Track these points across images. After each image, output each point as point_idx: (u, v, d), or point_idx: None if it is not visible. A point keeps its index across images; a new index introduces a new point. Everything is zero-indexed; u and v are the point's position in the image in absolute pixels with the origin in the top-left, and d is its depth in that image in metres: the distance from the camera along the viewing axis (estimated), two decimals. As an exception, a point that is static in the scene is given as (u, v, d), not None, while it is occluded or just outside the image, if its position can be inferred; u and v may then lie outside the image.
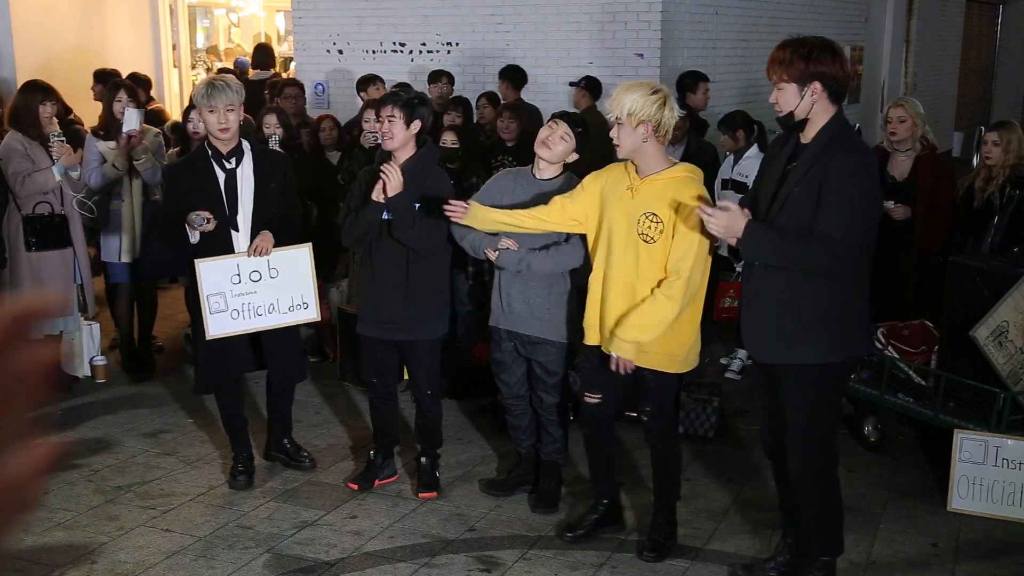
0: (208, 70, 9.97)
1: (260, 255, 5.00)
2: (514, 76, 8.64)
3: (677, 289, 4.05)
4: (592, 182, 4.37)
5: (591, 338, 4.36)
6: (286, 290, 5.11)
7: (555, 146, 4.62)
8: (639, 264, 4.14)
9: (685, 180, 4.14)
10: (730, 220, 3.73)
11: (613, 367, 4.15)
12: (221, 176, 4.97)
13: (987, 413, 5.00)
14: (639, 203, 4.13)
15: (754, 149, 6.87)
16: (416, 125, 4.77)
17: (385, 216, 4.79)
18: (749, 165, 6.79)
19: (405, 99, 4.75)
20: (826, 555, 4.09)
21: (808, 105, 3.74)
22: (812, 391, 3.88)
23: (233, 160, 4.99)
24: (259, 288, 5.04)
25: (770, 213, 3.83)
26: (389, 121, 4.72)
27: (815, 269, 3.72)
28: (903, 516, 4.91)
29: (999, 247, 5.73)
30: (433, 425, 5.13)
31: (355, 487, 5.15)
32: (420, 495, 5.07)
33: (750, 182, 6.73)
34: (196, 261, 4.90)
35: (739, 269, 6.73)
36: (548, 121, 4.72)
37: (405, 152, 4.79)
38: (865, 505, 5.00)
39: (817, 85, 3.71)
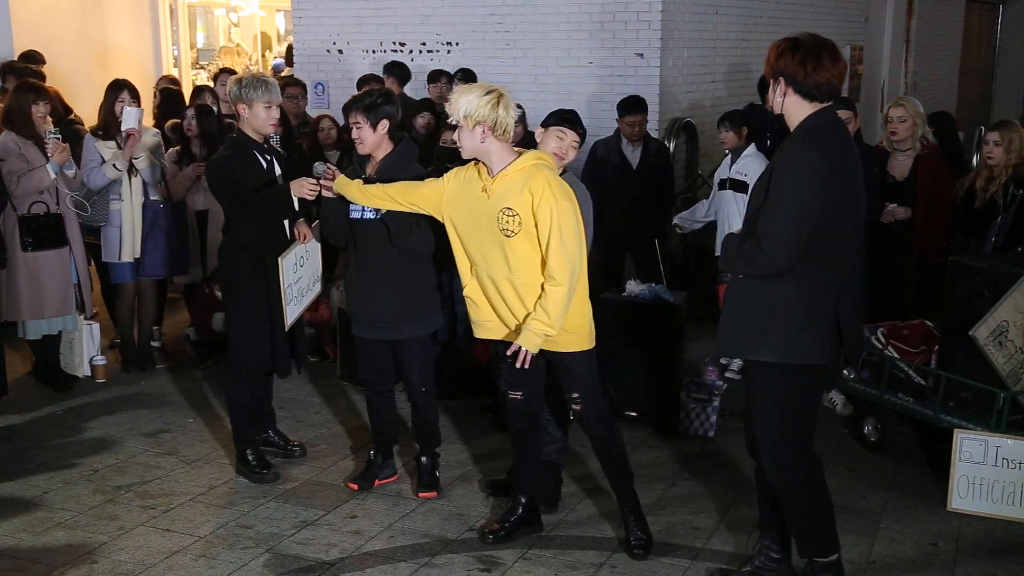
0: (220, 70, 9.91)
1: (307, 241, 5.23)
2: (398, 72, 8.76)
3: (560, 279, 4.12)
4: (451, 177, 4.43)
5: (488, 333, 4.43)
6: (310, 271, 5.36)
7: (568, 156, 4.62)
8: (508, 259, 4.21)
9: (533, 168, 4.20)
10: None
11: (519, 362, 4.18)
12: (263, 165, 5.16)
13: (987, 413, 5.00)
14: (495, 201, 4.20)
15: (751, 148, 6.86)
16: (384, 125, 4.79)
17: (365, 215, 4.81)
18: (748, 164, 6.78)
19: (367, 103, 4.76)
20: (818, 556, 4.07)
21: (779, 101, 3.82)
22: (768, 392, 3.91)
23: (266, 154, 5.19)
24: (303, 272, 5.26)
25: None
26: (356, 128, 4.79)
27: (759, 269, 3.76)
28: (903, 516, 4.91)
29: (1003, 247, 5.73)
30: (430, 424, 5.13)
31: (355, 487, 5.16)
32: (420, 495, 5.07)
33: (750, 180, 6.74)
34: (280, 258, 5.01)
35: None
36: (552, 129, 4.64)
37: (381, 151, 4.84)
38: (865, 505, 4.99)
39: (782, 81, 3.78)
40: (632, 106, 7.33)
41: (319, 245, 5.36)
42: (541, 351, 4.31)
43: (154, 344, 7.25)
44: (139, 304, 6.99)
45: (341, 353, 6.78)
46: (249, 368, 5.25)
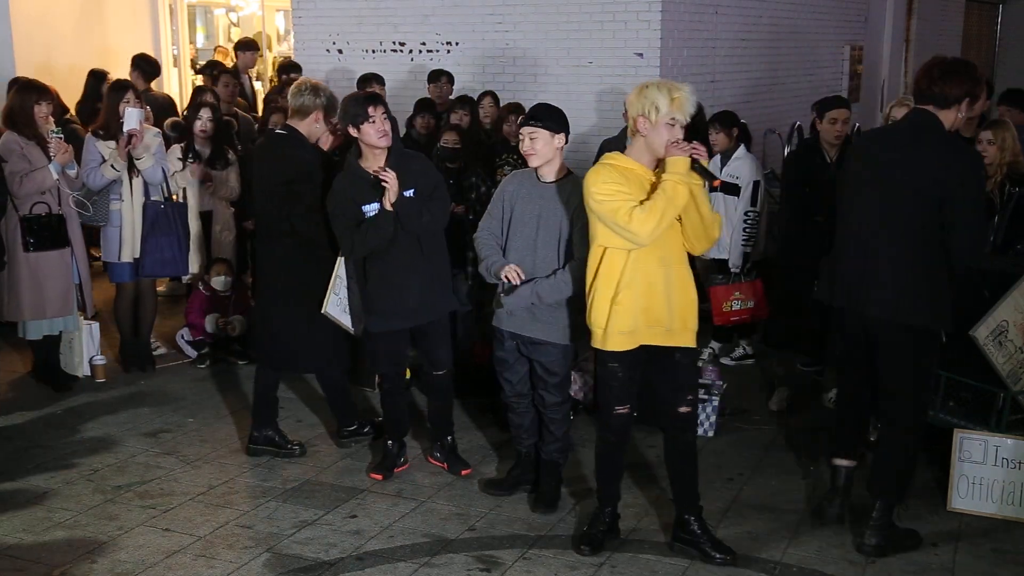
0: (221, 72, 9.90)
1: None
2: (144, 67, 8.83)
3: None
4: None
5: (631, 341, 4.30)
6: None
7: (537, 150, 4.62)
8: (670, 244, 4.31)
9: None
10: None
11: (681, 148, 4.15)
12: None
13: (987, 413, 5.00)
14: None
15: (742, 150, 6.83)
16: None
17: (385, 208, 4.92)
18: (739, 166, 6.76)
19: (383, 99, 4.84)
20: (901, 501, 4.54)
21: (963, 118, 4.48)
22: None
23: None
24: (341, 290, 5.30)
25: None
26: (384, 120, 4.89)
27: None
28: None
29: (1002, 245, 5.72)
30: (449, 408, 5.41)
31: (379, 477, 5.28)
32: (463, 472, 5.31)
33: (742, 183, 6.73)
34: (327, 311, 5.13)
35: (734, 270, 6.73)
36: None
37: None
38: (865, 505, 4.98)
39: (968, 100, 4.36)
40: None
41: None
42: (646, 348, 4.32)
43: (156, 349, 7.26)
44: (139, 304, 6.98)
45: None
46: (278, 361, 5.44)
